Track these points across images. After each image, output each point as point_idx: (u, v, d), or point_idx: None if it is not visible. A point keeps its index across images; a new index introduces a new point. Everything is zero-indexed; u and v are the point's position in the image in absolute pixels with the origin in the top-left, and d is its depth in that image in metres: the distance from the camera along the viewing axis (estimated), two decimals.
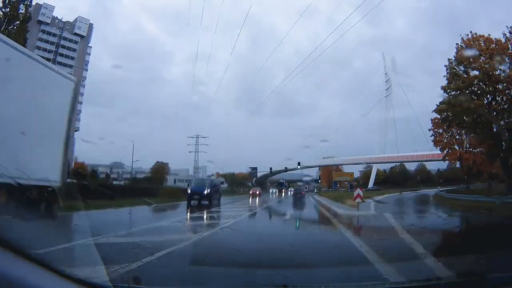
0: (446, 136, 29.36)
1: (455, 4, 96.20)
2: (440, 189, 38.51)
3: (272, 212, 19.82)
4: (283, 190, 59.99)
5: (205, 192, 20.12)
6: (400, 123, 64.61)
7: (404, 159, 61.05)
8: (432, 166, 67.29)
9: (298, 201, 30.78)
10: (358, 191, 16.80)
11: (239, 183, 69.56)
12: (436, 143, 29.91)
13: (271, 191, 59.73)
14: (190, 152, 71.16)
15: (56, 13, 69.43)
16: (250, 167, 68.95)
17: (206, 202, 19.64)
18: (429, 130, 29.62)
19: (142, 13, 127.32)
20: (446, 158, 31.65)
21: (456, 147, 30.04)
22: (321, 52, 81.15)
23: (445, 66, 21.20)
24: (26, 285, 1.36)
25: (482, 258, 4.35)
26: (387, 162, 64.27)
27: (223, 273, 4.17)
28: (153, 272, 4.21)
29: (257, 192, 42.01)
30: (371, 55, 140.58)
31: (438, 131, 29.36)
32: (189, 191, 20.57)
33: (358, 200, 16.16)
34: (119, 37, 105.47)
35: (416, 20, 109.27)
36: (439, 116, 28.80)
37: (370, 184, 61.26)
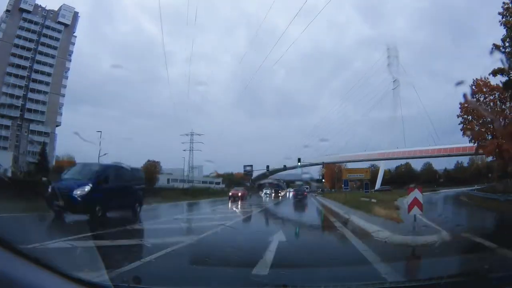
0: (477, 124, 24.36)
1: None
2: (476, 187, 32.72)
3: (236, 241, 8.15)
4: (280, 193, 51.75)
5: (79, 192, 10.28)
6: (406, 119, 60.26)
7: (416, 155, 56.82)
8: (438, 166, 67.94)
9: (299, 208, 23.80)
10: (417, 193, 8.42)
11: (236, 183, 66.48)
12: (465, 131, 24.96)
13: (263, 192, 49.01)
14: (184, 150, 68.26)
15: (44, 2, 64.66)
16: (244, 165, 64.03)
17: (91, 213, 10.23)
18: (458, 116, 24.92)
19: (136, 10, 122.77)
20: (480, 150, 26.43)
21: (489, 137, 24.95)
22: (320, 49, 76.53)
23: (499, 13, 16.66)
24: (26, 285, 1.36)
25: None
26: (400, 158, 60.53)
27: None
28: None
29: (239, 194, 31.62)
30: (373, 51, 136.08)
31: (468, 117, 24.53)
32: (49, 190, 10.69)
33: (417, 212, 8.36)
34: (117, 36, 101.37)
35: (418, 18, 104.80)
36: (470, 98, 24.12)
37: (378, 184, 56.79)
